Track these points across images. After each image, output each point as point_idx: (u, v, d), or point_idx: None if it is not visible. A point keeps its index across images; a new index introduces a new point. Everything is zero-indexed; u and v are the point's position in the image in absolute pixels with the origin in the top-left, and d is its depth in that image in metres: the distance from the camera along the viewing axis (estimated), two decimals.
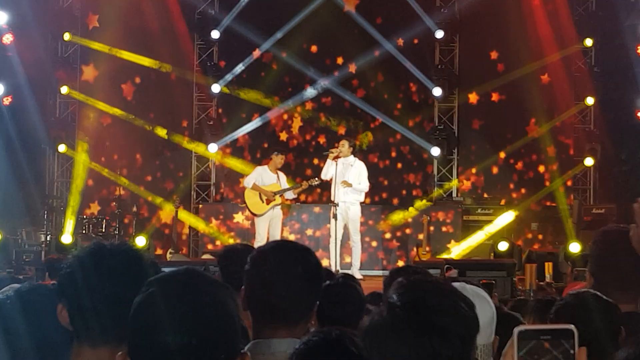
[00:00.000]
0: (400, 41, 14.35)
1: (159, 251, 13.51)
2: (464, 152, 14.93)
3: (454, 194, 14.74)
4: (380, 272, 12.57)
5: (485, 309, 2.38)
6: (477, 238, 13.26)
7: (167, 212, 14.33)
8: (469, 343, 1.67)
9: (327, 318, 3.39)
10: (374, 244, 13.41)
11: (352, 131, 14.65)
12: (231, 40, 14.75)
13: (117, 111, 14.61)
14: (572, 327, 1.38)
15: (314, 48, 14.85)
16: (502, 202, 14.04)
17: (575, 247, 11.82)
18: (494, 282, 8.78)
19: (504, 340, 2.38)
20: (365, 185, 11.36)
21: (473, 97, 14.77)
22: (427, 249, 12.63)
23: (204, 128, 14.66)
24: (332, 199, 11.40)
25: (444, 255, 12.41)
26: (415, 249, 12.76)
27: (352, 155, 11.38)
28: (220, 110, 15.07)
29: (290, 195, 11.92)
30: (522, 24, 14.14)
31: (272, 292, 2.39)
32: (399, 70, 14.54)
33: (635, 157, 13.92)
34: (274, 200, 11.63)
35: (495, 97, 14.73)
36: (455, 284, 1.89)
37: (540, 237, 14.36)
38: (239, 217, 13.46)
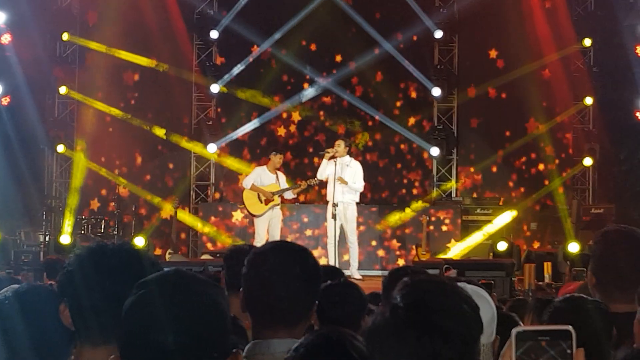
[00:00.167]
0: (400, 36, 14.35)
1: (158, 251, 13.51)
2: (463, 152, 14.93)
3: (453, 194, 14.75)
4: (379, 272, 12.57)
5: (485, 308, 2.38)
6: (476, 238, 13.26)
7: (166, 212, 14.33)
8: (471, 345, 1.66)
9: (327, 318, 3.38)
10: (373, 243, 13.40)
11: (350, 131, 14.65)
12: (230, 40, 14.75)
13: (116, 111, 14.61)
14: (569, 328, 1.38)
15: (312, 48, 14.85)
16: (501, 202, 14.04)
17: (574, 247, 11.82)
18: (492, 282, 8.78)
19: (501, 340, 2.38)
20: (360, 185, 11.36)
21: (471, 92, 14.78)
22: (427, 249, 12.63)
23: (203, 128, 14.66)
24: (328, 199, 11.41)
25: (443, 256, 12.41)
26: (414, 249, 12.76)
27: (348, 155, 11.39)
28: (219, 110, 15.07)
29: (289, 195, 11.92)
30: (521, 24, 14.14)
31: (271, 294, 2.39)
32: (398, 70, 14.55)
33: (634, 157, 13.93)
34: (273, 200, 11.63)
35: (494, 96, 14.73)
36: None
37: (539, 237, 14.36)
38: (237, 215, 13.45)
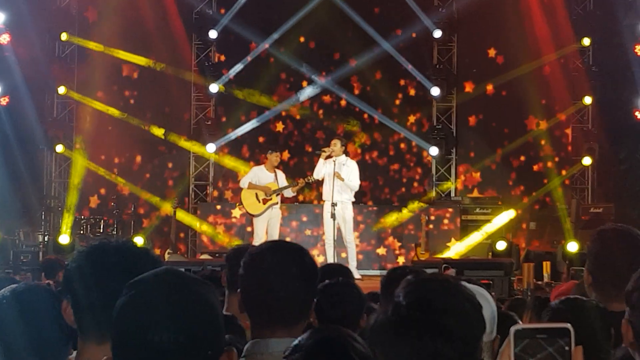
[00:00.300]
0: (399, 35, 14.34)
1: (156, 251, 13.48)
2: (462, 151, 14.93)
3: (452, 194, 14.75)
4: (378, 272, 12.57)
5: (485, 307, 2.38)
6: (475, 237, 13.26)
7: (165, 211, 14.32)
8: (473, 344, 1.66)
9: (326, 317, 3.38)
10: (373, 243, 13.41)
11: (348, 131, 14.66)
12: (229, 39, 14.76)
13: (114, 111, 14.60)
14: (568, 325, 1.38)
15: (311, 47, 14.85)
16: (500, 202, 14.03)
17: (573, 247, 11.83)
18: (491, 282, 8.78)
19: (501, 340, 2.38)
20: (356, 183, 11.36)
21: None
22: (426, 248, 12.63)
23: (202, 128, 14.66)
24: (325, 198, 11.41)
25: (442, 255, 12.41)
26: (413, 249, 12.76)
27: (344, 155, 11.39)
28: (218, 110, 15.07)
29: (289, 193, 11.89)
30: (520, 24, 14.15)
31: (269, 294, 2.39)
32: (397, 69, 14.55)
33: (633, 156, 13.93)
34: (271, 199, 11.60)
35: (493, 96, 14.73)
36: None
37: (538, 236, 14.36)
38: (236, 215, 13.45)
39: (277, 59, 14.69)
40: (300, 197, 13.88)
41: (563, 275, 10.86)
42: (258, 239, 11.37)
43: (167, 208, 14.17)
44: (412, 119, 14.87)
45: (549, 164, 14.46)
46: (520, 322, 3.48)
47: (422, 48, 14.66)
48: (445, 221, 13.40)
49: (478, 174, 14.85)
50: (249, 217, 12.14)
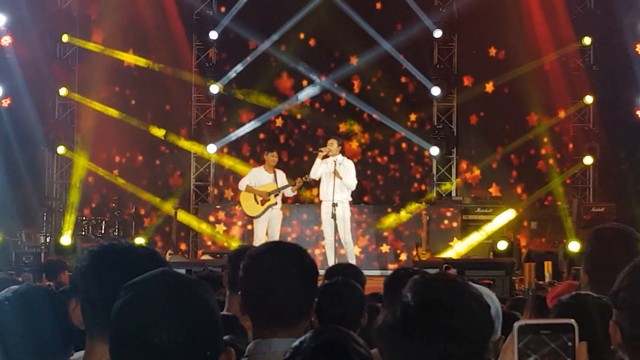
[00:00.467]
0: (399, 35, 14.33)
1: None
2: (462, 151, 14.93)
3: (453, 194, 14.75)
4: (379, 272, 12.56)
5: (490, 307, 2.39)
6: (476, 237, 13.26)
7: (166, 212, 14.33)
8: (481, 345, 1.66)
9: (326, 317, 3.39)
10: (373, 242, 13.41)
11: (349, 131, 14.67)
12: (229, 40, 14.77)
13: (115, 112, 14.61)
14: (572, 321, 1.38)
15: (312, 48, 14.86)
16: (501, 202, 14.02)
17: (574, 246, 11.81)
18: (491, 282, 8.78)
19: (505, 339, 2.38)
20: (353, 183, 11.34)
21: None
22: (427, 248, 12.63)
23: (203, 129, 14.66)
24: (322, 198, 11.39)
25: (443, 255, 12.41)
26: (414, 249, 12.75)
27: (340, 154, 11.37)
28: (219, 111, 15.08)
29: (289, 192, 11.84)
30: (520, 23, 14.15)
31: (270, 295, 2.39)
32: (397, 69, 14.56)
33: (634, 156, 13.93)
34: (269, 200, 11.55)
35: (494, 96, 14.73)
36: None
37: (539, 236, 14.35)
38: (237, 215, 13.43)
39: (277, 60, 14.70)
40: (301, 198, 13.88)
41: (564, 275, 10.85)
42: (258, 240, 11.34)
43: (168, 209, 14.18)
44: (412, 118, 14.87)
45: (550, 163, 14.46)
46: None
47: (423, 48, 14.66)
48: (446, 221, 13.40)
49: (479, 172, 14.85)
50: (250, 218, 12.12)
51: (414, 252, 12.63)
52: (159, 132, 14.74)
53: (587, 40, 14.26)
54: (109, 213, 14.23)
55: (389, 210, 13.61)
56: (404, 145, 14.87)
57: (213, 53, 14.98)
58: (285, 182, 11.69)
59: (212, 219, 13.65)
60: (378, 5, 14.75)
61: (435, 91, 14.39)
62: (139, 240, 12.49)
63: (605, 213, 13.19)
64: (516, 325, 1.39)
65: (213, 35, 14.54)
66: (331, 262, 11.21)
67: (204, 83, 14.67)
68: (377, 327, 1.76)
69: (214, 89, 14.53)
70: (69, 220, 13.83)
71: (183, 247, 14.34)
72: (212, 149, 14.41)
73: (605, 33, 14.09)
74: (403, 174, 14.97)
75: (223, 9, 14.71)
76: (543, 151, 14.56)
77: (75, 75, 14.82)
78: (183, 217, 14.02)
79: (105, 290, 1.96)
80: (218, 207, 13.94)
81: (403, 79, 14.83)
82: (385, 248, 13.42)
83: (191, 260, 13.02)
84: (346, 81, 14.75)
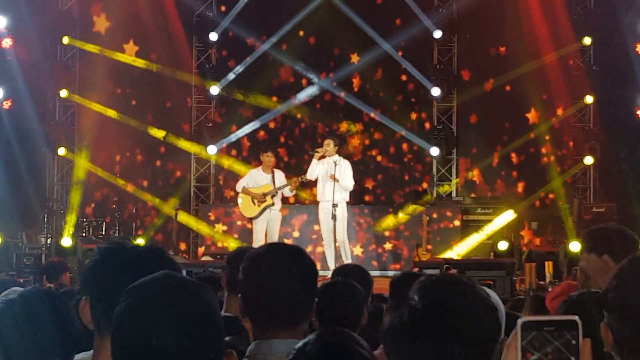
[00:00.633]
0: (399, 36, 14.33)
1: None
2: (463, 151, 14.93)
3: (454, 194, 14.75)
4: (379, 272, 12.56)
5: None
6: (476, 238, 13.25)
7: (166, 213, 14.34)
8: (488, 346, 1.66)
9: (326, 317, 3.39)
10: (373, 243, 13.40)
11: (348, 131, 14.68)
12: (229, 42, 14.78)
13: (116, 114, 14.62)
14: (576, 318, 1.37)
15: (312, 48, 14.86)
16: (501, 202, 14.02)
17: (575, 246, 11.79)
18: (491, 282, 8.77)
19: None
20: (350, 183, 11.32)
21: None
22: (428, 247, 12.62)
23: (203, 130, 14.67)
24: (319, 199, 11.36)
25: (444, 255, 12.40)
26: (415, 249, 12.74)
27: (337, 154, 11.34)
28: (219, 112, 15.09)
29: (287, 192, 11.78)
30: (520, 23, 14.15)
31: (271, 296, 2.39)
32: (397, 69, 14.57)
33: (635, 156, 13.92)
34: (265, 201, 11.52)
35: (494, 96, 14.72)
36: None
37: (540, 236, 14.35)
38: (237, 216, 13.43)
39: (277, 60, 14.70)
40: (301, 199, 13.88)
41: (564, 275, 10.84)
42: (257, 241, 11.32)
43: (168, 209, 14.19)
44: (412, 119, 14.88)
45: (551, 163, 14.46)
46: None
47: (423, 48, 14.66)
48: (447, 221, 13.40)
49: (479, 172, 14.85)
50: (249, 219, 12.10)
51: (414, 253, 12.63)
52: (159, 134, 14.74)
53: (587, 40, 14.26)
54: (110, 214, 14.23)
55: (389, 210, 13.60)
56: (404, 145, 14.88)
57: (213, 54, 14.99)
58: (284, 182, 11.63)
59: (212, 219, 13.65)
60: (378, 8, 14.74)
61: (435, 91, 14.40)
62: (139, 241, 12.49)
63: (606, 213, 13.19)
64: (519, 321, 1.38)
65: (213, 36, 14.55)
66: (331, 262, 11.21)
67: (204, 84, 14.68)
68: (383, 328, 1.76)
69: (214, 90, 14.54)
70: (70, 222, 13.83)
71: (183, 247, 14.34)
72: (212, 150, 14.41)
73: (606, 33, 14.09)
74: (403, 174, 14.97)
75: (223, 8, 14.71)
76: (543, 151, 14.56)
77: (76, 77, 14.83)
78: (183, 218, 14.03)
79: (116, 287, 1.95)
80: (218, 208, 13.94)
81: (403, 79, 14.83)
82: (385, 248, 13.42)
83: (191, 261, 13.02)
84: (346, 81, 14.76)
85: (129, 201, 14.55)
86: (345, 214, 11.45)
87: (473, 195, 14.53)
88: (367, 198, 14.61)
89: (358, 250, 13.34)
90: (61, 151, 14.34)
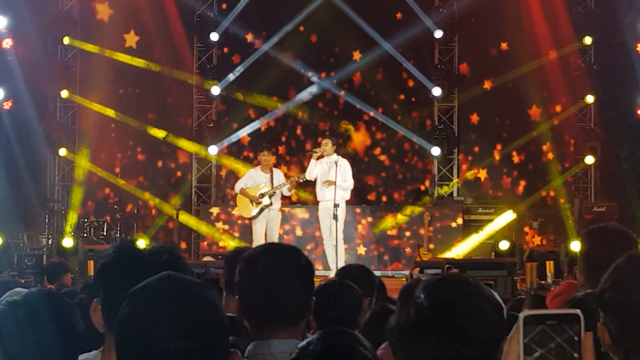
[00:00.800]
0: (400, 36, 14.33)
1: None
2: (464, 151, 14.93)
3: (455, 194, 14.76)
4: (379, 273, 12.55)
5: None
6: (477, 237, 13.26)
7: (167, 214, 14.35)
8: (494, 346, 1.66)
9: (324, 318, 3.39)
10: (374, 243, 13.41)
11: (346, 131, 14.71)
12: (230, 42, 14.79)
13: (117, 114, 14.63)
14: (577, 311, 1.37)
15: (312, 48, 14.87)
16: (503, 202, 14.02)
17: (576, 246, 11.79)
18: (492, 282, 8.77)
19: None
20: (349, 183, 11.30)
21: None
22: (430, 246, 12.63)
23: (204, 130, 14.67)
24: (319, 199, 11.34)
25: (445, 255, 12.41)
26: (416, 249, 12.75)
27: (335, 154, 11.30)
28: (220, 112, 15.10)
29: (286, 192, 11.72)
30: (521, 23, 14.16)
31: (269, 297, 2.39)
32: (398, 69, 14.57)
33: (635, 155, 13.92)
34: (261, 202, 11.48)
35: (495, 96, 14.72)
36: None
37: (541, 235, 14.36)
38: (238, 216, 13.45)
39: (278, 60, 14.71)
40: (302, 199, 13.88)
41: (564, 275, 10.84)
42: (257, 241, 11.28)
43: (169, 210, 14.19)
44: (414, 119, 14.88)
45: (551, 163, 14.46)
46: None
47: (423, 48, 14.67)
48: (448, 221, 13.40)
49: (480, 172, 14.85)
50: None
51: (416, 253, 12.63)
52: (160, 134, 14.75)
53: (587, 40, 14.27)
54: (111, 214, 14.23)
55: (391, 210, 13.61)
56: (405, 145, 14.88)
57: (214, 54, 15.00)
58: (282, 182, 11.58)
59: (213, 219, 13.65)
60: (379, 8, 14.74)
61: (436, 91, 14.40)
62: (141, 242, 12.47)
63: (607, 212, 13.19)
64: (521, 315, 1.38)
65: (214, 36, 14.56)
66: (332, 262, 11.20)
67: (205, 84, 14.68)
68: (390, 327, 1.76)
69: (215, 90, 14.55)
70: (71, 222, 13.84)
71: (184, 247, 14.34)
72: (213, 150, 14.42)
73: (606, 32, 14.10)
74: (404, 174, 14.98)
75: (224, 6, 14.72)
76: (544, 151, 14.56)
77: (77, 77, 14.83)
78: (184, 218, 14.03)
79: (128, 288, 1.96)
80: (220, 208, 13.94)
81: (404, 79, 14.84)
82: (386, 248, 13.42)
83: (192, 261, 13.01)
84: (347, 81, 14.77)
85: (129, 201, 14.56)
86: (344, 214, 11.43)
87: (474, 195, 14.53)
88: (368, 197, 14.61)
89: (362, 250, 13.36)
90: (62, 151, 14.35)
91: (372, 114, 14.70)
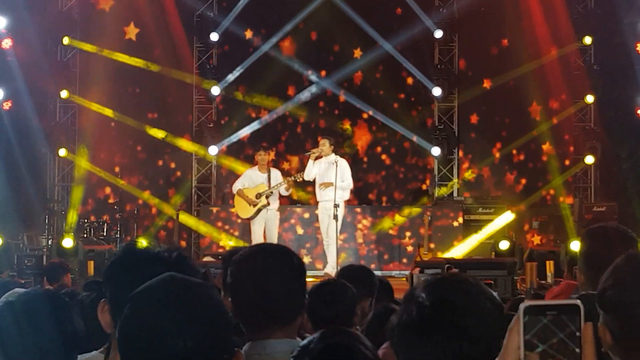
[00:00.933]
0: (400, 36, 14.33)
1: None
2: (464, 151, 14.93)
3: (455, 194, 14.76)
4: (379, 273, 12.55)
5: None
6: (478, 237, 13.26)
7: (168, 214, 14.34)
8: (495, 344, 1.67)
9: (320, 317, 3.39)
10: (374, 243, 13.41)
11: (345, 131, 14.71)
12: (230, 42, 14.80)
13: (117, 114, 14.63)
14: (577, 302, 1.37)
15: (312, 48, 14.88)
16: (503, 202, 14.02)
17: (576, 246, 11.78)
18: (492, 282, 8.77)
19: None
20: (348, 183, 11.28)
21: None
22: (431, 245, 12.62)
23: (204, 130, 14.68)
24: (318, 199, 11.33)
25: (445, 255, 12.41)
26: (417, 249, 12.75)
27: (333, 154, 11.28)
28: (220, 112, 15.10)
29: (283, 191, 11.70)
30: (521, 23, 14.16)
31: (264, 297, 2.39)
32: (398, 69, 14.57)
33: (635, 155, 13.92)
34: (259, 202, 11.47)
35: (495, 96, 14.72)
36: None
37: (541, 235, 14.36)
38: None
39: (278, 60, 14.71)
40: (301, 199, 13.88)
41: (565, 274, 10.84)
42: (255, 242, 11.26)
43: (169, 210, 14.19)
44: (414, 119, 14.89)
45: (552, 163, 14.46)
46: None
47: (423, 48, 14.67)
48: (448, 221, 13.40)
49: (480, 172, 14.85)
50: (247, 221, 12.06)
51: (416, 252, 12.63)
52: (159, 134, 14.75)
53: (587, 40, 14.28)
54: (111, 214, 14.23)
55: (391, 210, 13.61)
56: (405, 145, 14.88)
57: (214, 54, 15.00)
58: (279, 181, 11.56)
59: (213, 220, 13.65)
60: (379, 8, 14.74)
61: (436, 91, 14.40)
62: (141, 243, 12.47)
63: (607, 212, 13.19)
64: (522, 306, 1.38)
65: (214, 36, 14.56)
66: (333, 263, 11.20)
67: (205, 85, 14.69)
68: (390, 326, 1.76)
69: (215, 90, 14.55)
70: (71, 223, 13.83)
71: (185, 248, 14.34)
72: (213, 150, 14.42)
73: (606, 32, 14.10)
74: (405, 173, 14.98)
75: (225, 4, 14.72)
76: (544, 150, 14.57)
77: (76, 78, 14.83)
78: (185, 218, 14.03)
79: (138, 286, 1.95)
80: (220, 208, 13.94)
81: (404, 79, 14.84)
82: (386, 248, 13.42)
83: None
84: (347, 81, 14.77)
85: (129, 201, 14.56)
86: (342, 214, 11.42)
87: (474, 195, 14.53)
88: (368, 197, 14.61)
89: (362, 250, 13.36)
90: (62, 152, 14.35)
91: (371, 113, 14.70)
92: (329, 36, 14.62)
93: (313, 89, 14.74)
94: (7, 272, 11.09)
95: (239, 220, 13.36)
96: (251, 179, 11.60)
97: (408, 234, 13.45)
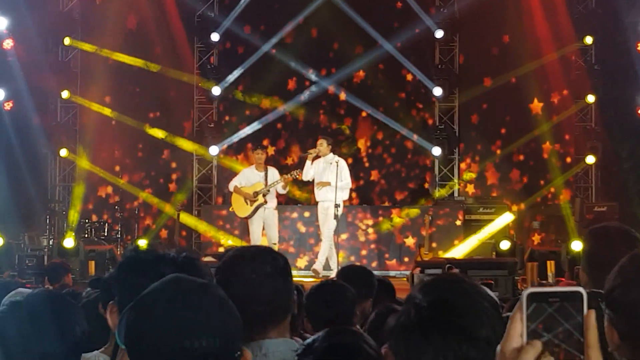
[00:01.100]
0: (400, 36, 14.33)
1: None
2: (464, 151, 14.93)
3: (456, 194, 14.76)
4: (379, 273, 12.54)
5: None
6: (478, 237, 13.25)
7: (168, 214, 14.35)
8: (494, 344, 1.67)
9: (319, 317, 3.39)
10: (374, 243, 13.41)
11: (343, 131, 14.71)
12: (230, 42, 14.80)
13: (117, 115, 14.63)
14: (580, 289, 1.37)
15: (313, 48, 14.88)
16: (503, 201, 14.03)
17: (577, 246, 11.79)
18: (492, 282, 8.77)
19: None
20: (346, 182, 11.27)
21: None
22: (433, 245, 12.62)
23: (205, 130, 14.68)
24: (317, 199, 11.32)
25: (446, 255, 12.41)
26: (417, 248, 12.75)
27: (331, 153, 11.27)
28: (221, 112, 15.10)
29: (280, 189, 11.68)
30: (521, 23, 14.16)
31: (253, 301, 2.39)
32: (399, 69, 14.57)
33: (636, 155, 13.92)
34: (257, 200, 11.45)
35: (495, 96, 14.72)
36: None
37: (542, 235, 14.35)
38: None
39: (279, 60, 14.71)
40: (302, 199, 13.89)
41: (566, 274, 10.84)
42: (254, 241, 11.26)
43: (170, 210, 14.20)
44: (414, 119, 14.89)
45: (552, 163, 14.46)
46: None
47: (424, 48, 14.67)
48: (449, 221, 13.40)
49: (481, 172, 14.85)
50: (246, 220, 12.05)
51: (417, 252, 12.63)
52: (159, 134, 14.75)
53: (588, 40, 14.27)
54: (112, 215, 14.24)
55: (391, 210, 13.61)
56: (406, 144, 14.89)
57: (214, 55, 15.00)
58: (276, 179, 11.56)
59: (214, 220, 13.65)
60: (380, 8, 14.74)
61: (437, 91, 14.40)
62: (142, 243, 12.50)
63: (608, 212, 13.18)
64: (525, 293, 1.38)
65: (214, 37, 14.57)
66: (333, 263, 11.20)
67: (206, 85, 14.69)
68: (389, 327, 1.76)
69: (216, 90, 14.55)
70: (72, 223, 13.84)
71: (185, 248, 14.34)
72: (214, 150, 14.43)
73: (607, 32, 14.10)
74: (405, 173, 14.98)
75: (227, 2, 14.73)
76: (545, 150, 14.57)
77: (77, 78, 14.85)
78: (185, 218, 14.04)
79: (146, 287, 1.95)
80: (221, 209, 13.94)
81: (405, 79, 14.84)
82: (387, 248, 13.42)
83: None
84: (348, 80, 14.77)
85: (130, 201, 14.56)
86: (340, 214, 11.41)
87: (475, 194, 14.53)
88: (368, 197, 14.61)
89: (363, 250, 13.36)
90: (63, 152, 14.36)
91: (373, 114, 14.70)
92: (330, 36, 14.63)
93: (313, 88, 14.75)
94: (8, 272, 11.09)
95: (237, 221, 13.38)
96: (247, 177, 11.59)
97: (408, 233, 13.45)
